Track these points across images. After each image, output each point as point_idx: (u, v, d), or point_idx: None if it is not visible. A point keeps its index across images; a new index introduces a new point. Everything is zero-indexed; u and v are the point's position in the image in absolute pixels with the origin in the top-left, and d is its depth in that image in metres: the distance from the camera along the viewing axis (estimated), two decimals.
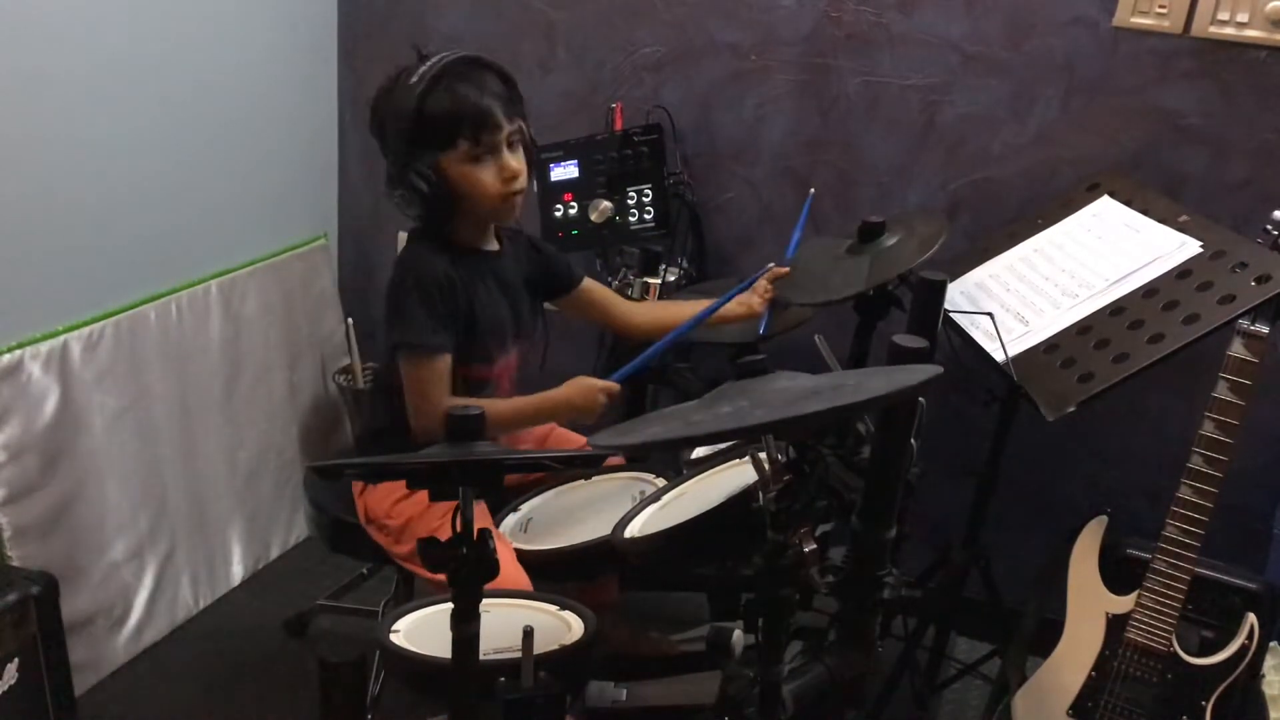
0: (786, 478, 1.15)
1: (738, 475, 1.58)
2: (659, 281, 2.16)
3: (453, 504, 1.16)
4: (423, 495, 1.66)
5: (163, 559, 2.17)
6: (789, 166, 2.25)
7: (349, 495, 1.81)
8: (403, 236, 1.83)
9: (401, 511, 1.72)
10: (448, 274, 1.67)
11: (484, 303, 1.73)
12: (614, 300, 1.97)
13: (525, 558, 1.63)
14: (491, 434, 1.68)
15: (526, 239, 1.86)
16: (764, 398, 1.13)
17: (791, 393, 1.13)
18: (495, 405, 1.70)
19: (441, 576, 1.17)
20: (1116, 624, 1.69)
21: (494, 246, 1.78)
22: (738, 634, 1.23)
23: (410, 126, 1.62)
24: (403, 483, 1.68)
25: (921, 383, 1.07)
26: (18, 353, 1.84)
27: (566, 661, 1.33)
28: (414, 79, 1.62)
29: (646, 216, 2.17)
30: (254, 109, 2.27)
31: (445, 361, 1.67)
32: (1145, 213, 1.80)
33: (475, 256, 1.75)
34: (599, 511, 1.65)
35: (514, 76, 1.71)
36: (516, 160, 1.67)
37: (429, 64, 1.63)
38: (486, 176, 1.65)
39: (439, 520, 1.66)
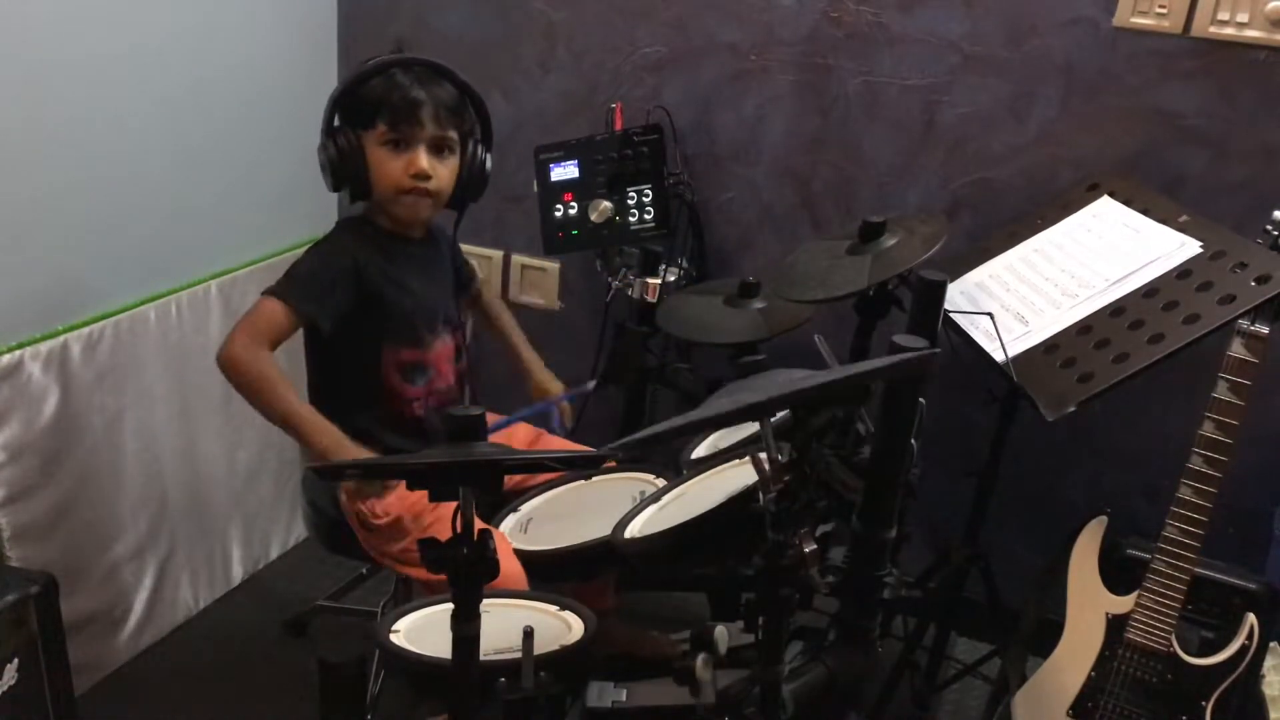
0: (786, 478, 1.15)
1: (738, 475, 1.58)
2: (659, 281, 2.16)
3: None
4: (408, 492, 1.67)
5: (163, 559, 2.17)
6: (789, 166, 2.25)
7: None
8: None
9: (389, 509, 1.72)
10: (355, 261, 1.70)
11: (410, 286, 1.76)
12: (486, 301, 2.08)
13: (525, 558, 1.63)
14: (253, 397, 1.65)
15: (448, 235, 1.89)
16: (762, 388, 1.14)
17: (789, 380, 1.14)
18: (278, 389, 1.64)
19: (437, 576, 1.17)
20: (1116, 624, 1.69)
21: (421, 234, 1.82)
22: (721, 630, 1.23)
23: (344, 96, 1.68)
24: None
25: (914, 356, 1.07)
26: (18, 353, 1.84)
27: (566, 661, 1.33)
28: (371, 60, 1.69)
29: (646, 216, 2.17)
30: (255, 109, 2.27)
31: (289, 323, 1.66)
32: (1145, 213, 1.80)
33: (401, 242, 1.78)
34: (599, 511, 1.65)
35: (483, 99, 1.76)
36: (430, 162, 1.70)
37: (393, 55, 1.69)
38: (393, 166, 1.69)
39: (429, 515, 1.67)
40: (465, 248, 2.02)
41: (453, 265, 1.93)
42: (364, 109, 1.68)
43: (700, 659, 1.21)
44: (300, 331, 1.71)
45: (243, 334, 1.66)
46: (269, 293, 1.68)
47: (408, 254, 1.78)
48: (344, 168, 1.68)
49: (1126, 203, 1.86)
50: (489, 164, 1.78)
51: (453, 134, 1.72)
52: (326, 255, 1.72)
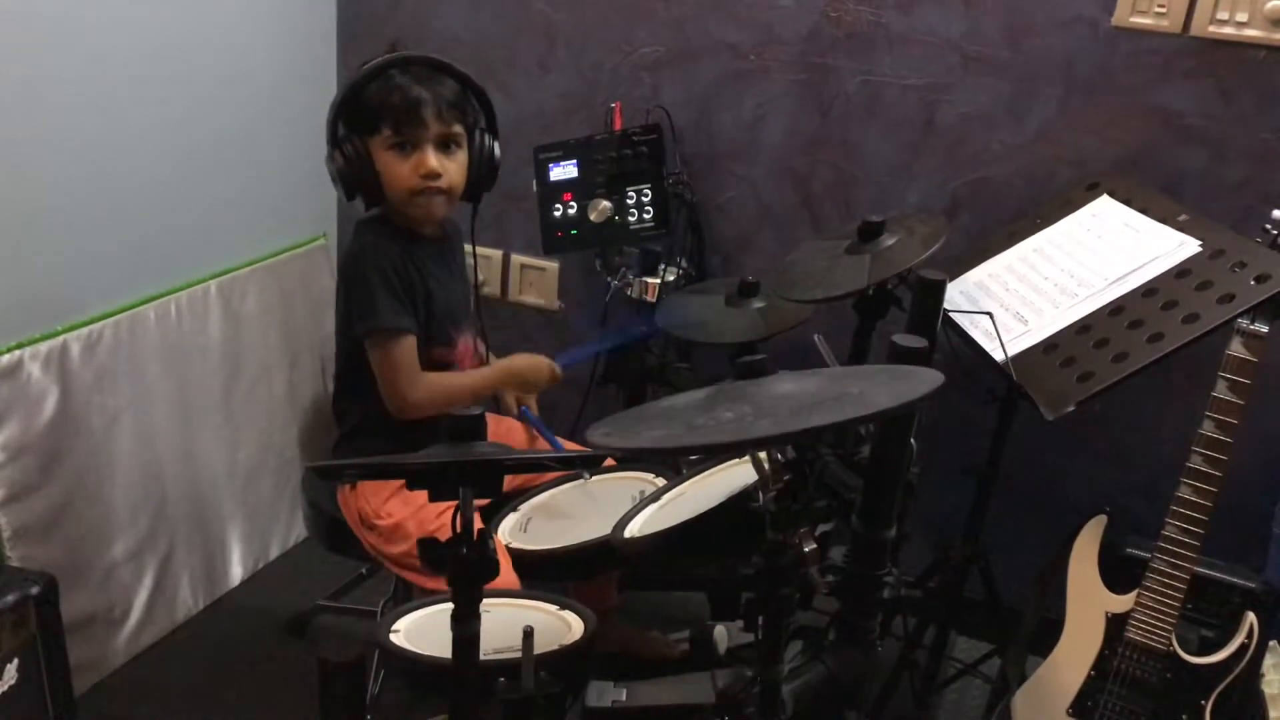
0: (786, 478, 1.15)
1: (737, 475, 1.58)
2: (658, 281, 2.16)
3: (446, 502, 1.16)
4: (413, 493, 1.68)
5: (162, 559, 2.17)
6: (788, 166, 2.25)
7: None
8: None
9: (392, 511, 1.72)
10: (400, 257, 1.72)
11: (434, 286, 1.77)
12: None
13: (525, 558, 1.63)
14: (450, 404, 1.73)
15: (461, 231, 1.90)
16: (766, 404, 1.13)
17: (794, 399, 1.13)
18: (455, 378, 1.79)
19: (436, 581, 1.17)
20: (1116, 623, 1.69)
21: (437, 232, 1.82)
22: (720, 630, 1.24)
23: (346, 104, 1.68)
24: (391, 481, 1.71)
25: (924, 394, 1.07)
26: (17, 353, 1.84)
27: (566, 661, 1.33)
28: (368, 64, 1.68)
29: (646, 216, 2.17)
30: (254, 109, 2.27)
31: (412, 342, 1.72)
32: (1144, 212, 1.80)
33: (421, 241, 1.78)
34: (599, 511, 1.65)
35: (484, 88, 1.76)
36: (439, 161, 1.70)
37: (389, 56, 1.68)
38: (402, 168, 1.70)
39: (435, 520, 1.67)
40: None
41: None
42: (366, 115, 1.67)
43: (717, 628, 1.21)
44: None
45: (396, 397, 1.72)
46: (375, 334, 1.70)
47: (428, 253, 1.79)
48: (354, 177, 1.68)
49: (1126, 202, 1.86)
50: (498, 152, 1.78)
51: (458, 128, 1.72)
52: (380, 267, 1.70)
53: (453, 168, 1.73)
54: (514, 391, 1.90)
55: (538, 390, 1.92)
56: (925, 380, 1.11)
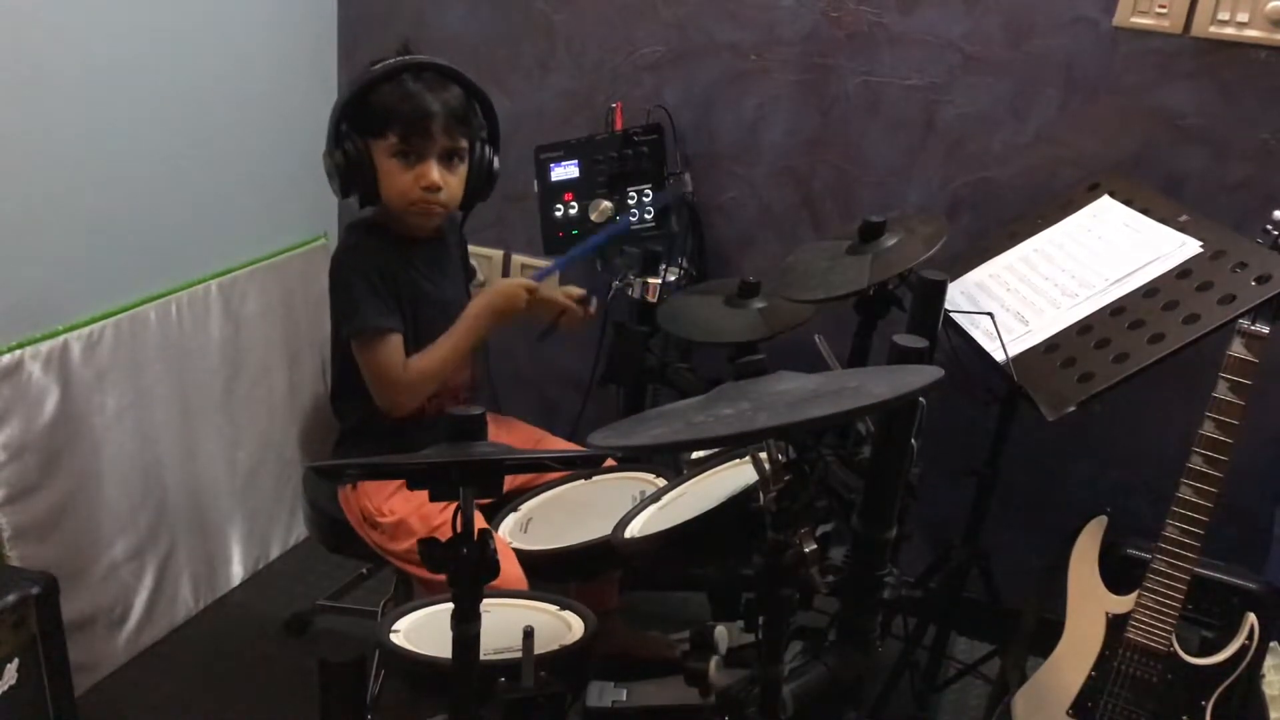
0: (786, 478, 1.15)
1: (738, 475, 1.58)
2: (659, 281, 2.16)
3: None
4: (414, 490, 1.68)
5: (162, 559, 2.17)
6: (789, 166, 2.25)
7: None
8: None
9: (394, 508, 1.72)
10: (386, 258, 1.72)
11: (428, 287, 1.77)
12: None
13: (525, 558, 1.63)
14: (444, 374, 1.75)
15: (457, 229, 1.90)
16: (766, 400, 1.13)
17: (793, 395, 1.13)
18: (435, 351, 1.75)
19: (440, 577, 1.17)
20: (1116, 624, 1.69)
21: (431, 235, 1.81)
22: (721, 630, 1.24)
23: (353, 104, 1.67)
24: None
25: (923, 386, 1.07)
26: (18, 353, 1.84)
27: (567, 661, 1.33)
28: (377, 65, 1.67)
29: (647, 216, 2.17)
30: (255, 108, 2.27)
31: (397, 341, 1.71)
32: (1145, 212, 1.80)
33: (413, 244, 1.78)
34: (599, 511, 1.65)
35: (491, 101, 1.75)
36: (440, 174, 1.69)
37: (400, 58, 1.67)
38: (404, 177, 1.69)
39: (438, 517, 1.67)
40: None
41: (463, 262, 1.93)
42: (374, 118, 1.66)
43: (714, 661, 1.21)
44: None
45: (389, 382, 1.71)
46: (360, 335, 1.69)
47: (421, 255, 1.79)
48: (352, 176, 1.68)
49: (1127, 202, 1.86)
50: (496, 164, 1.78)
51: (463, 143, 1.71)
52: (364, 269, 1.70)
53: (453, 182, 1.72)
54: (501, 324, 1.81)
55: (520, 314, 1.83)
56: (923, 375, 1.11)
